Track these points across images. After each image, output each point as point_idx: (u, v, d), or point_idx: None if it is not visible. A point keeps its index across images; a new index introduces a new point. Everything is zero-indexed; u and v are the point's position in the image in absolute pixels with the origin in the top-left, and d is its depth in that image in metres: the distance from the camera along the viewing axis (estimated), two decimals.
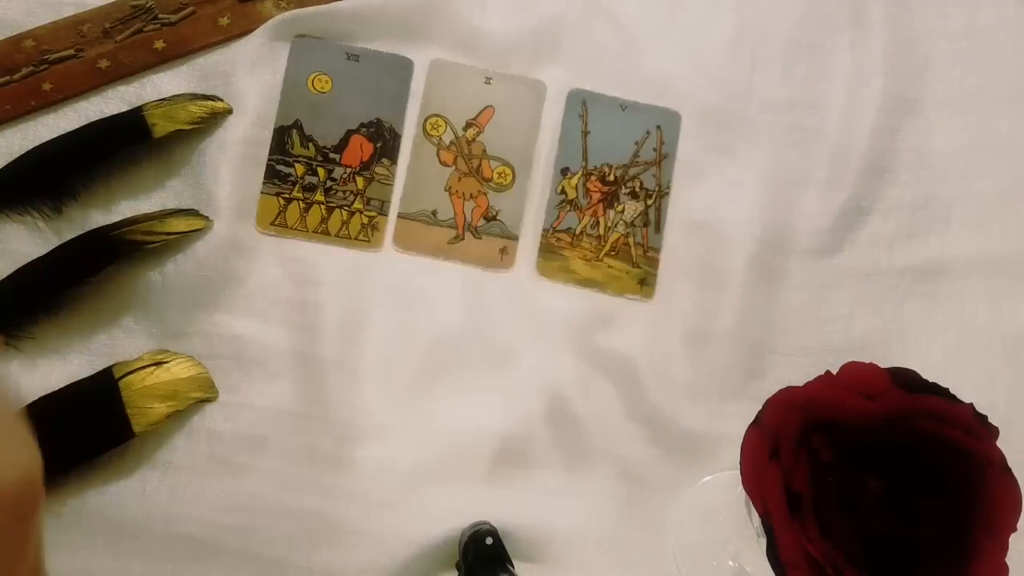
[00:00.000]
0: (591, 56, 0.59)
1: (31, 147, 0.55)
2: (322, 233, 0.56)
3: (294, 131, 0.57)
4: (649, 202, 0.58)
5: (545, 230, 0.58)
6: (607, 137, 0.58)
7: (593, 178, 0.58)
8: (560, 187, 0.58)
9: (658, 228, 0.58)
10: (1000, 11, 0.63)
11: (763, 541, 0.38)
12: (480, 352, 0.56)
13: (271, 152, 0.57)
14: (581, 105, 0.58)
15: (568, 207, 0.58)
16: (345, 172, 0.57)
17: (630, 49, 0.59)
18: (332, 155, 0.57)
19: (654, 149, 0.58)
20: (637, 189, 0.58)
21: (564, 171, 0.58)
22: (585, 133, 0.58)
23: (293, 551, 0.52)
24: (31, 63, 0.56)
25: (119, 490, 0.52)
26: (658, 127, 0.59)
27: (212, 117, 0.56)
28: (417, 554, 0.52)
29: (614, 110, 0.59)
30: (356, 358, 0.55)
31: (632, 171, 0.58)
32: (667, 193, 0.58)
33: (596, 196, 0.58)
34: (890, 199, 0.59)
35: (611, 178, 0.58)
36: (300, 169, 0.57)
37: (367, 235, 0.57)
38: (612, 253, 0.58)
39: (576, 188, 0.58)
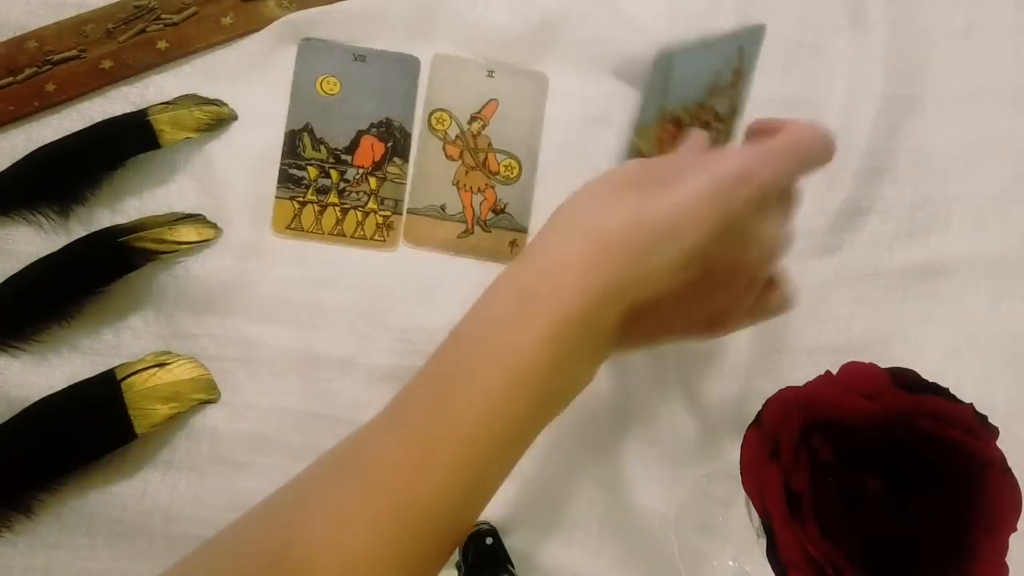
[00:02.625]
0: (592, 51, 0.59)
1: (35, 148, 0.55)
2: (338, 235, 0.57)
3: (305, 134, 0.57)
4: (720, 125, 0.52)
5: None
6: (690, 82, 0.49)
7: (668, 125, 0.50)
8: (632, 144, 0.50)
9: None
10: (1000, 11, 0.63)
11: (763, 541, 0.38)
12: None
13: (283, 156, 0.57)
14: (666, 60, 0.48)
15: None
16: (358, 173, 0.57)
17: (630, 44, 0.59)
18: (344, 156, 0.57)
19: (734, 71, 0.51)
20: (709, 118, 0.51)
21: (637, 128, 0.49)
22: (664, 85, 0.49)
23: None
24: (34, 64, 0.56)
25: (120, 490, 0.52)
26: (740, 49, 0.50)
27: (218, 123, 0.56)
28: None
29: (698, 54, 0.49)
30: (365, 356, 0.55)
31: (709, 102, 0.51)
32: (741, 113, 0.52)
33: (668, 142, 0.50)
34: (890, 199, 0.60)
35: (686, 119, 0.50)
36: (313, 172, 0.57)
37: (383, 235, 0.57)
38: None
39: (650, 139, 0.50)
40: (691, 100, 0.50)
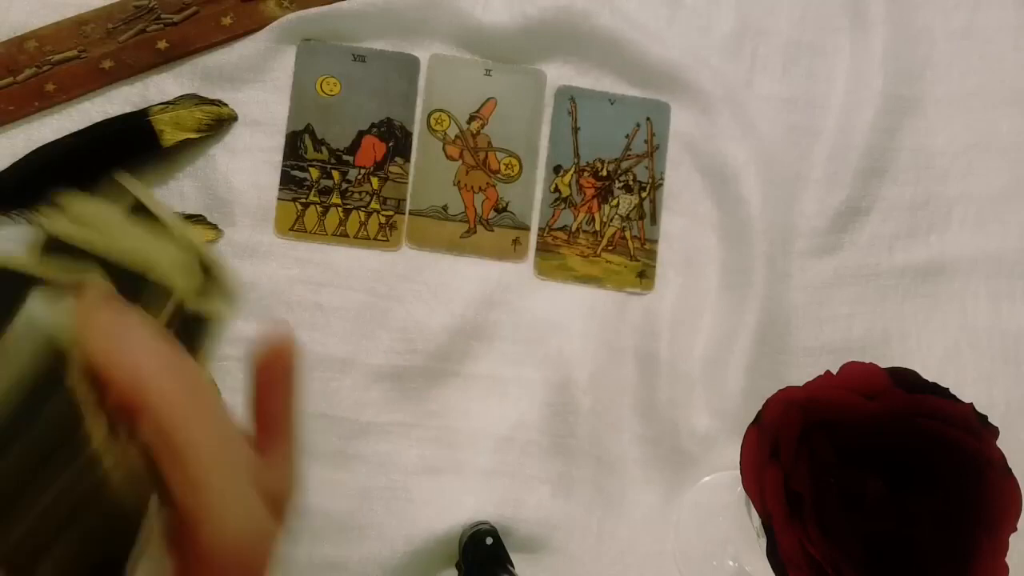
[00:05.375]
0: (592, 50, 0.59)
1: (35, 148, 0.55)
2: (341, 235, 0.57)
3: (306, 136, 0.57)
4: (644, 194, 0.58)
5: (541, 229, 0.58)
6: (597, 132, 0.59)
7: (586, 174, 0.58)
8: (553, 185, 0.58)
9: (654, 220, 0.58)
10: (1000, 11, 0.63)
11: (763, 541, 0.38)
12: (489, 347, 0.56)
13: (285, 158, 0.57)
14: (569, 102, 0.59)
15: (563, 205, 0.58)
16: (359, 173, 0.57)
17: (631, 43, 0.59)
18: (346, 157, 0.57)
19: (645, 141, 0.59)
20: (631, 182, 0.58)
21: (556, 169, 0.59)
22: (575, 129, 0.59)
23: (295, 546, 0.52)
24: (34, 64, 0.56)
25: None
26: (648, 119, 0.59)
27: (218, 123, 0.56)
28: (418, 549, 0.52)
29: (603, 104, 0.59)
30: (366, 357, 0.55)
31: (625, 164, 0.59)
32: (661, 184, 0.59)
33: (590, 192, 0.58)
34: (890, 199, 0.60)
35: (604, 173, 0.59)
36: (315, 173, 0.57)
37: (386, 235, 0.57)
38: (609, 248, 0.58)
39: (569, 185, 0.58)
40: (607, 154, 0.58)
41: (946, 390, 0.40)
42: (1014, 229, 0.60)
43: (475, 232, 0.58)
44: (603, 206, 0.58)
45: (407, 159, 0.58)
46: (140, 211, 0.37)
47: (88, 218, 0.36)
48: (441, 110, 0.58)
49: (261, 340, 0.31)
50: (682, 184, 0.59)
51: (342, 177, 0.57)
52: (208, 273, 0.36)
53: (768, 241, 0.57)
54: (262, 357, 0.31)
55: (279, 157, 0.57)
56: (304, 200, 0.57)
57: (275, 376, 0.32)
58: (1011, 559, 0.38)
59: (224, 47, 0.58)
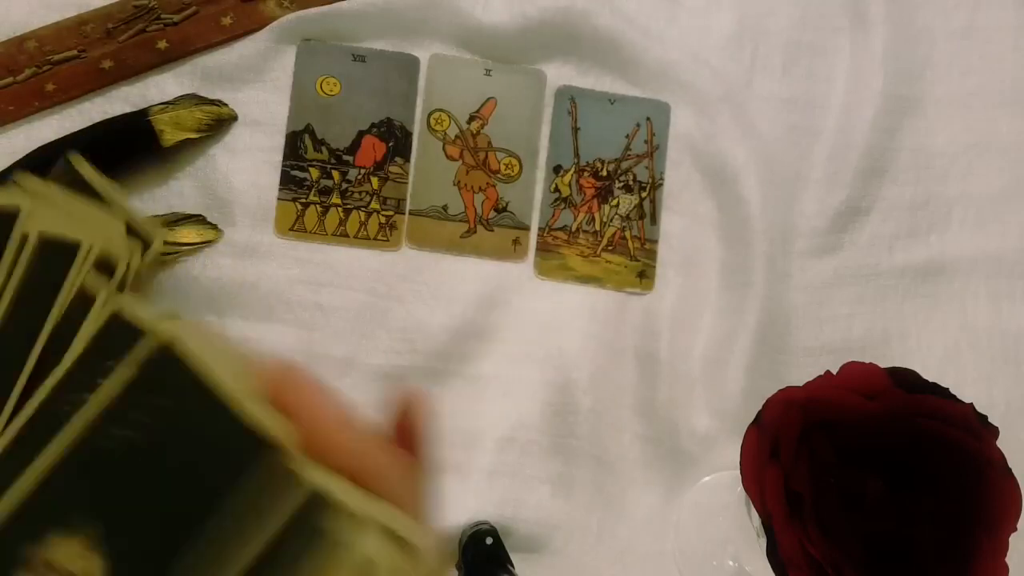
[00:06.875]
0: (592, 50, 0.59)
1: (35, 148, 0.55)
2: (341, 235, 0.57)
3: (306, 136, 0.57)
4: (644, 194, 0.58)
5: (541, 229, 0.58)
6: (598, 132, 0.59)
7: (586, 174, 0.59)
8: (554, 185, 0.58)
9: (654, 220, 0.58)
10: (1000, 11, 0.63)
11: (763, 541, 0.38)
12: (489, 347, 0.56)
13: (285, 158, 0.57)
14: (569, 102, 0.59)
15: (563, 205, 0.58)
16: (359, 173, 0.57)
17: (631, 44, 0.59)
18: (346, 157, 0.58)
19: (645, 141, 0.59)
20: (631, 182, 0.59)
21: (556, 169, 0.59)
22: (575, 129, 0.59)
23: None
24: (34, 64, 0.56)
25: None
26: (648, 119, 0.59)
27: (218, 123, 0.56)
28: None
29: (603, 105, 0.59)
30: (366, 357, 0.55)
31: (625, 164, 0.59)
32: (661, 184, 0.59)
33: (590, 192, 0.58)
34: (890, 199, 0.60)
35: (604, 173, 0.59)
36: (315, 173, 0.57)
37: (386, 235, 0.57)
38: (609, 248, 0.58)
39: (569, 185, 0.58)
40: (607, 154, 0.58)
41: (946, 390, 0.40)
42: (1014, 229, 0.60)
43: (475, 232, 0.58)
44: (603, 206, 0.58)
45: (407, 159, 0.58)
46: (85, 188, 0.46)
47: (44, 196, 0.42)
48: (441, 110, 0.58)
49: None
50: (682, 184, 0.59)
51: (342, 177, 0.57)
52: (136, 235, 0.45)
53: (768, 241, 0.57)
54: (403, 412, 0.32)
55: (279, 157, 0.57)
56: (304, 200, 0.57)
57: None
58: (1011, 559, 0.38)
59: (224, 47, 0.58)
